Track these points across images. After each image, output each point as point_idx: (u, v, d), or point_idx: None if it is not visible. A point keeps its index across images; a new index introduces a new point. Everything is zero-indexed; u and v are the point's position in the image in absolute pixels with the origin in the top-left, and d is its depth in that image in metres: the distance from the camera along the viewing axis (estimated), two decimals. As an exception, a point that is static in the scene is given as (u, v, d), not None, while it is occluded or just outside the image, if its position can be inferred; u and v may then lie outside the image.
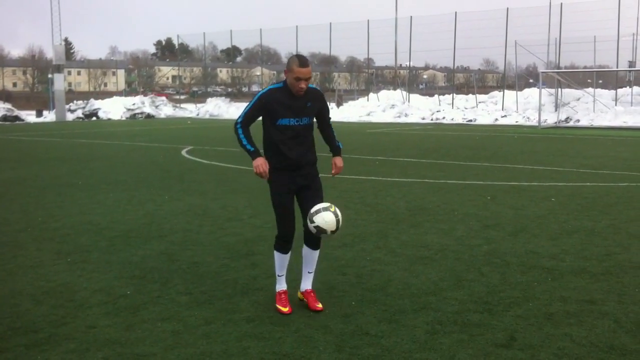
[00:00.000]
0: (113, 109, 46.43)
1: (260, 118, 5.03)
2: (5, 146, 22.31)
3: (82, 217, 8.81)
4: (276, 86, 4.99)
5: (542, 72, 36.58)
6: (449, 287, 5.59)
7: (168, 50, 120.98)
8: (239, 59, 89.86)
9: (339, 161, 5.31)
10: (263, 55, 73.75)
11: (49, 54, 68.14)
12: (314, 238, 5.13)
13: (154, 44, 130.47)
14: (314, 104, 5.02)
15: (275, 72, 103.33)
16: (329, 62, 70.19)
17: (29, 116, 45.43)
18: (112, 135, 27.58)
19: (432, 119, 39.52)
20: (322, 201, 5.12)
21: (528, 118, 36.31)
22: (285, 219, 5.09)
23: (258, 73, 77.30)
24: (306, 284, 5.23)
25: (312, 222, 4.84)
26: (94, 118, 45.34)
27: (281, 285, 5.17)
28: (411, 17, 44.73)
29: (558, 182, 12.02)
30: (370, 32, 46.68)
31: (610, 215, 8.71)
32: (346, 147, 22.56)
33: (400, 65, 56.58)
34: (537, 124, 33.06)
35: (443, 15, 44.67)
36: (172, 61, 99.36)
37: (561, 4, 39.34)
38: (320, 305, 5.05)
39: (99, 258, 6.67)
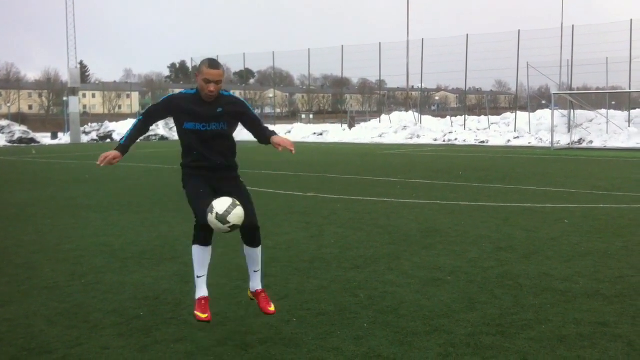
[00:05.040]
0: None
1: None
2: (20, 168, 22.54)
3: (96, 239, 8.87)
4: (187, 92, 4.86)
5: (555, 94, 36.57)
6: (461, 309, 5.58)
7: (182, 73, 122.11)
8: (252, 81, 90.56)
9: (277, 139, 4.79)
10: (276, 78, 74.22)
11: (64, 77, 68.99)
12: (251, 235, 4.84)
13: (168, 67, 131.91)
14: (227, 109, 4.80)
15: (287, 94, 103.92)
16: (341, 84, 70.54)
17: (44, 138, 45.90)
18: (126, 157, 27.70)
19: (444, 141, 39.53)
20: (249, 201, 4.82)
21: (541, 139, 36.26)
22: (203, 201, 4.62)
23: (271, 95, 77.73)
24: (255, 283, 5.02)
25: (227, 222, 4.46)
26: (109, 140, 45.73)
27: (201, 291, 4.75)
28: (423, 39, 44.98)
29: (571, 203, 11.98)
30: (382, 55, 46.98)
31: (624, 237, 8.67)
32: (358, 168, 22.48)
33: (412, 87, 56.80)
34: (550, 145, 32.98)
35: (455, 37, 44.75)
36: (185, 83, 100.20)
37: (573, 25, 39.44)
38: (272, 308, 4.84)
39: (112, 279, 6.71)
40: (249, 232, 4.87)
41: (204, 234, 4.70)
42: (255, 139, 5.01)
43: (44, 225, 10.10)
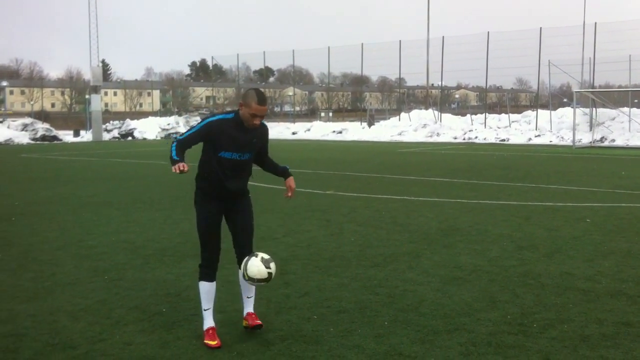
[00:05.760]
0: (148, 128, 47.20)
1: (201, 144, 4.95)
2: (44, 165, 22.80)
3: (118, 236, 8.96)
4: (226, 116, 4.89)
5: (576, 92, 36.24)
6: (482, 308, 5.56)
7: (202, 71, 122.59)
8: (271, 79, 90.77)
9: (292, 182, 5.21)
10: (295, 76, 74.31)
11: (87, 75, 69.59)
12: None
13: (189, 65, 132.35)
14: (259, 140, 5.00)
15: (307, 93, 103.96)
16: (360, 82, 70.50)
17: (67, 136, 46.37)
18: (147, 154, 27.99)
19: (464, 139, 39.34)
20: (252, 227, 5.08)
21: (562, 138, 35.97)
22: (211, 244, 4.96)
23: (290, 93, 77.86)
24: (248, 307, 5.12)
25: (269, 267, 4.72)
26: (130, 138, 46.10)
27: (208, 322, 4.93)
28: (443, 37, 44.87)
29: (593, 202, 11.87)
30: (402, 52, 46.88)
31: (648, 236, 8.57)
32: (378, 166, 22.40)
33: (432, 84, 56.55)
34: (571, 144, 32.68)
35: (475, 35, 44.57)
36: (206, 82, 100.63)
37: (595, 23, 39.09)
38: (259, 321, 5.00)
39: (134, 276, 6.78)
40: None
41: (209, 271, 4.99)
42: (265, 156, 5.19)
43: (67, 222, 10.22)
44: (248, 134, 4.87)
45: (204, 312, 4.96)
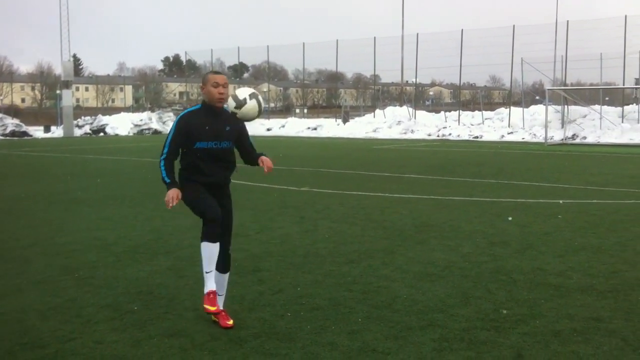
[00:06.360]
0: (120, 124, 46.74)
1: None
2: (13, 162, 22.44)
3: (90, 233, 8.84)
4: (194, 108, 4.99)
5: (549, 89, 36.64)
6: (455, 304, 5.58)
7: (176, 67, 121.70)
8: (246, 75, 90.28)
9: (266, 160, 5.07)
10: (270, 72, 74.09)
11: (58, 70, 68.67)
12: (224, 262, 5.09)
13: (162, 60, 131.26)
14: (233, 128, 5.00)
15: (281, 89, 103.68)
16: (335, 78, 70.53)
17: (37, 132, 45.73)
18: (119, 151, 27.71)
19: (438, 136, 39.59)
20: (231, 227, 5.17)
21: (534, 135, 36.35)
22: (210, 202, 4.86)
23: (265, 89, 77.59)
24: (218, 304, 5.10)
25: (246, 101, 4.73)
26: (102, 134, 45.60)
27: (210, 285, 4.90)
28: (417, 34, 45.05)
29: (564, 199, 12.00)
30: (376, 49, 47.00)
31: (617, 232, 8.69)
32: (352, 163, 22.46)
33: (407, 81, 56.80)
34: (543, 141, 33.05)
35: (449, 32, 45.02)
36: (179, 77, 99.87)
37: (567, 21, 39.54)
38: (230, 322, 4.97)
39: (106, 274, 6.69)
40: (222, 259, 5.06)
41: (213, 231, 4.85)
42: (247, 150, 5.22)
43: (38, 219, 10.06)
44: (219, 119, 4.93)
45: (205, 275, 4.90)
